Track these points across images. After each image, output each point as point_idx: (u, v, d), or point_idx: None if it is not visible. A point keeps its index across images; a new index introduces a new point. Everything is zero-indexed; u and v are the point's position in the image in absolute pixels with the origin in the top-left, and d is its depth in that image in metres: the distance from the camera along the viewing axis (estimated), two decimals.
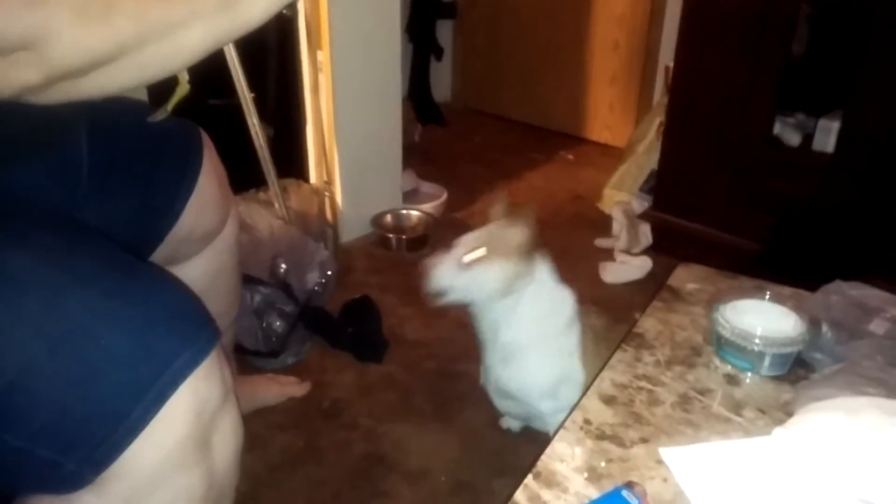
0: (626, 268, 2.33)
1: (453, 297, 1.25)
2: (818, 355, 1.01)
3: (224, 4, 0.67)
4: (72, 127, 0.95)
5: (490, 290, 1.24)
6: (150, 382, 0.69)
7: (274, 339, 1.81)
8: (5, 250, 0.71)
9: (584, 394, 0.97)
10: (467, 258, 1.21)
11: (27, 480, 0.73)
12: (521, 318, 1.28)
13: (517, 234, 1.24)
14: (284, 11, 0.73)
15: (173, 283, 0.79)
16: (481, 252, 1.21)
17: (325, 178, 2.36)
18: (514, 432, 1.63)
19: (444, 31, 3.62)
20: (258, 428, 1.60)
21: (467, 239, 1.25)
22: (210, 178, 1.15)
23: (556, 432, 0.91)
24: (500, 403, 1.47)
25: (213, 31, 0.69)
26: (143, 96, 1.21)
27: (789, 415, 0.89)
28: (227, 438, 0.80)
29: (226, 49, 1.79)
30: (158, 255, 1.08)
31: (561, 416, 1.29)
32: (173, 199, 1.09)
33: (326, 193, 2.32)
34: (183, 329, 0.74)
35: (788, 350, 0.99)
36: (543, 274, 1.30)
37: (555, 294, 1.31)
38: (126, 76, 0.67)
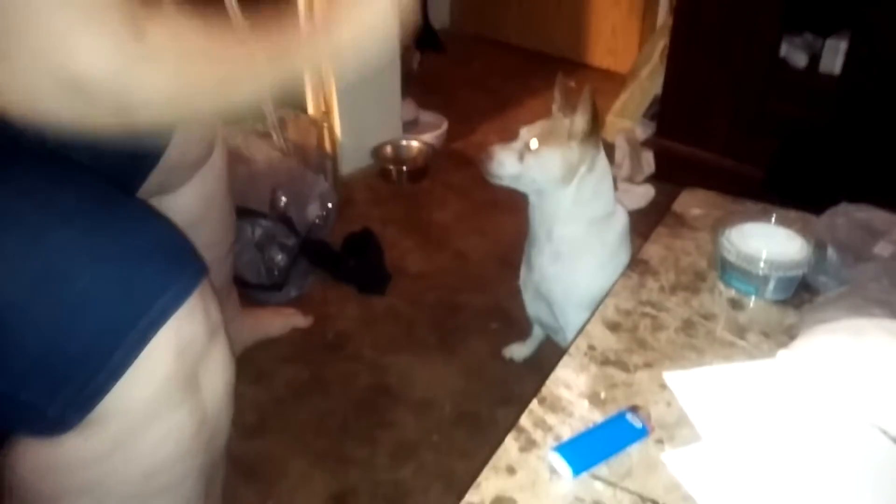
0: (629, 196, 2.30)
1: (515, 182, 1.28)
2: (823, 278, 1.00)
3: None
4: None
5: (551, 174, 1.26)
6: (131, 323, 0.68)
7: (276, 273, 1.80)
8: None
9: (588, 320, 0.97)
10: (533, 143, 1.25)
11: (11, 423, 0.73)
12: (578, 215, 1.29)
13: (576, 120, 1.25)
14: None
15: (157, 217, 0.78)
16: (539, 138, 1.25)
17: (323, 109, 2.31)
18: (516, 362, 1.64)
19: None
20: (263, 360, 1.61)
21: (530, 128, 1.28)
22: None
23: (560, 358, 0.91)
24: (533, 306, 1.47)
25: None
26: None
27: (793, 338, 0.88)
28: (216, 375, 0.79)
29: None
30: (150, 185, 1.06)
31: None
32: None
33: (325, 124, 2.29)
34: (166, 266, 0.73)
35: (793, 273, 0.98)
36: (603, 169, 1.30)
37: (610, 201, 1.33)
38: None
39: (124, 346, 0.68)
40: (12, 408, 0.69)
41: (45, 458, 0.73)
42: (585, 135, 1.24)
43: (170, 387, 0.72)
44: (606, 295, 1.02)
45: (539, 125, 1.28)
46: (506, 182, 1.28)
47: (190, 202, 1.19)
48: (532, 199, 1.32)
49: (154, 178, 1.07)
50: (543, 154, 1.24)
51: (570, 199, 1.27)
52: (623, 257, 1.33)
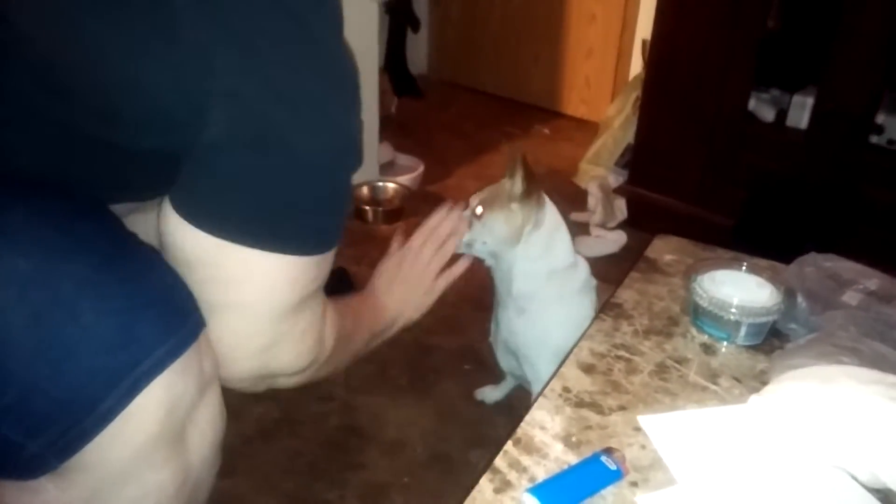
0: (601, 242, 2.34)
1: (469, 248, 1.31)
2: (793, 325, 1.02)
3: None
4: None
5: (498, 237, 1.27)
6: (126, 370, 0.66)
7: None
8: (3, 204, 0.66)
9: (562, 362, 0.98)
10: (477, 209, 1.27)
11: None
12: (533, 270, 1.30)
13: (508, 182, 1.27)
14: None
15: (164, 265, 0.76)
16: (484, 203, 1.28)
17: None
18: (487, 405, 1.64)
19: (421, 3, 3.58)
20: (232, 399, 1.55)
21: (478, 194, 1.31)
22: None
23: (534, 400, 0.91)
24: (504, 360, 1.47)
25: None
26: None
27: (764, 383, 0.90)
28: (204, 432, 0.77)
29: None
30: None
31: None
32: None
33: None
34: (167, 317, 0.71)
35: (764, 320, 1.00)
36: (550, 222, 1.31)
37: (566, 252, 1.33)
38: None
39: (115, 393, 0.66)
40: None
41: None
42: (522, 195, 1.26)
43: (155, 443, 0.70)
44: (580, 339, 1.03)
45: (486, 190, 1.31)
46: (461, 250, 1.31)
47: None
48: (488, 261, 1.33)
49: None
50: (487, 219, 1.27)
51: (522, 256, 1.28)
52: (587, 306, 1.33)
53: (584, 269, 1.35)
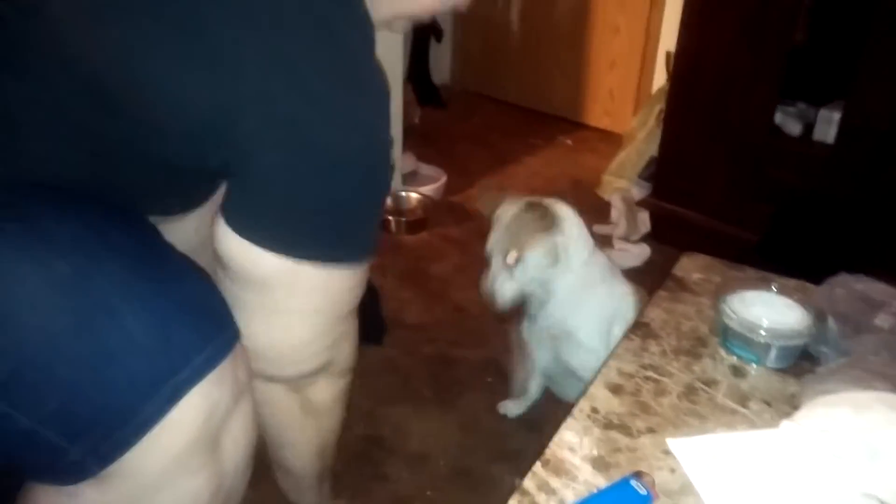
0: (624, 255, 2.33)
1: (522, 294, 1.33)
2: (824, 348, 1.01)
3: None
4: None
5: (545, 266, 1.30)
6: (166, 377, 0.68)
7: None
8: (42, 207, 0.68)
9: (590, 382, 0.98)
10: (510, 258, 1.29)
11: (30, 462, 0.72)
12: (566, 267, 1.33)
13: (537, 217, 1.30)
14: None
15: (200, 273, 0.77)
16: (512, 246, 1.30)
17: None
18: (510, 418, 1.64)
19: (444, 13, 3.59)
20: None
21: (492, 246, 1.33)
22: None
23: (563, 421, 0.91)
24: (542, 357, 1.49)
25: None
26: None
27: (795, 407, 0.89)
28: (237, 441, 0.79)
29: None
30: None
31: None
32: None
33: None
34: (205, 325, 0.73)
35: (794, 343, 0.99)
36: (573, 229, 1.34)
37: (588, 241, 1.37)
38: None
39: (156, 400, 0.67)
40: (34, 446, 0.67)
41: None
42: (549, 223, 1.30)
43: (192, 450, 0.71)
44: (609, 357, 1.03)
45: (497, 238, 1.33)
46: (511, 303, 1.34)
47: (194, 227, 1.18)
48: (538, 293, 1.35)
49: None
50: (529, 258, 1.29)
51: (566, 268, 1.33)
52: (622, 286, 1.38)
53: (600, 256, 1.40)
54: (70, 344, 0.66)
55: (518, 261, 1.29)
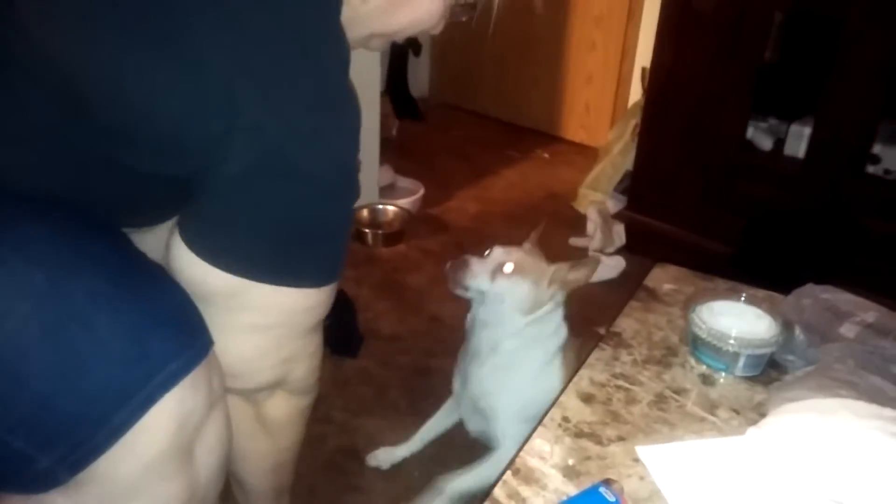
0: (600, 267, 2.34)
1: (478, 297, 1.31)
2: (791, 357, 1.03)
3: None
4: None
5: (517, 302, 1.30)
6: (139, 385, 0.67)
7: None
8: (19, 219, 0.68)
9: (562, 391, 0.98)
10: (507, 267, 1.28)
11: None
12: (527, 334, 1.33)
13: (568, 273, 1.31)
14: None
15: (174, 284, 0.77)
16: (515, 264, 1.29)
17: None
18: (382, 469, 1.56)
19: None
20: None
21: (506, 251, 1.32)
22: None
23: (534, 429, 0.92)
24: (471, 421, 1.47)
25: None
26: None
27: (762, 415, 0.91)
28: (211, 449, 0.78)
29: None
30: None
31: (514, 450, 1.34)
32: None
33: None
34: (180, 333, 0.72)
35: (762, 351, 1.01)
36: (560, 302, 1.36)
37: (558, 322, 1.37)
38: None
39: (128, 407, 0.67)
40: (2, 454, 0.66)
41: None
42: (566, 287, 1.32)
43: (166, 456, 0.71)
44: (581, 367, 1.04)
45: (516, 252, 1.32)
46: (468, 294, 1.31)
47: (166, 239, 1.18)
48: (482, 314, 1.34)
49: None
50: (517, 282, 1.28)
51: (524, 322, 1.32)
52: (558, 364, 1.37)
53: (563, 333, 1.38)
54: (41, 354, 0.65)
55: (510, 276, 1.28)
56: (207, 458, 0.78)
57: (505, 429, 1.36)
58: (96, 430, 0.66)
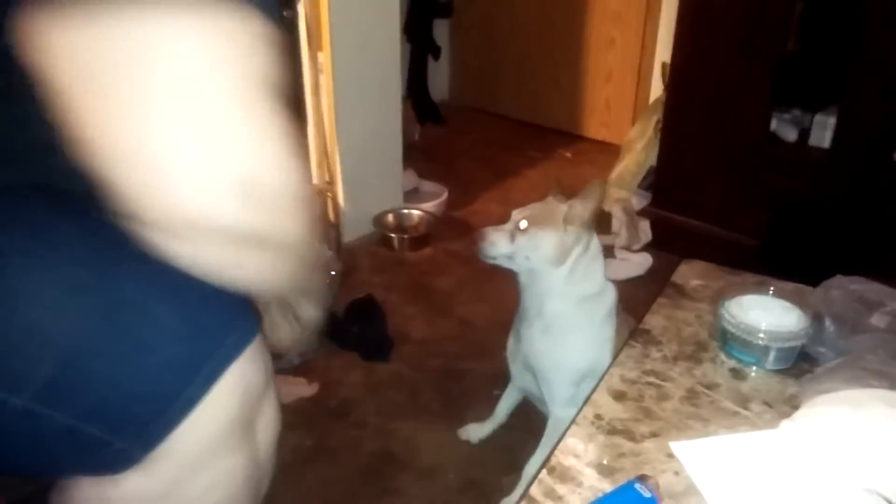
0: (626, 264, 2.35)
1: (508, 261, 1.32)
2: (821, 349, 1.03)
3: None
4: None
5: (544, 255, 1.29)
6: (202, 359, 0.69)
7: None
8: (56, 218, 0.69)
9: (594, 389, 1.00)
10: (522, 224, 1.28)
11: (72, 460, 0.72)
12: (569, 293, 1.32)
13: (577, 205, 1.30)
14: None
15: None
16: (528, 219, 1.29)
17: (327, 179, 2.37)
18: (472, 444, 1.63)
19: (441, 31, 3.64)
20: None
21: (521, 210, 1.32)
22: None
23: (568, 428, 0.93)
24: (520, 378, 1.49)
25: None
26: None
27: (795, 408, 0.91)
28: (269, 423, 0.80)
29: None
30: None
31: (573, 410, 1.32)
32: None
33: (328, 194, 2.34)
34: (231, 308, 0.74)
35: (792, 344, 1.01)
36: (596, 250, 1.34)
37: (600, 279, 1.36)
38: None
39: (197, 381, 0.69)
40: (77, 442, 0.68)
41: (101, 495, 0.73)
42: (585, 221, 1.29)
43: (231, 429, 0.73)
44: (610, 366, 1.05)
45: (530, 207, 1.33)
46: (499, 261, 1.32)
47: None
48: (523, 277, 1.34)
49: None
50: (535, 235, 1.28)
51: (563, 278, 1.31)
52: (609, 331, 1.36)
53: (611, 295, 1.37)
54: (101, 343, 0.67)
55: (527, 231, 1.28)
56: (265, 433, 0.80)
57: (554, 392, 1.37)
58: (167, 407, 0.68)
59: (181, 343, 0.70)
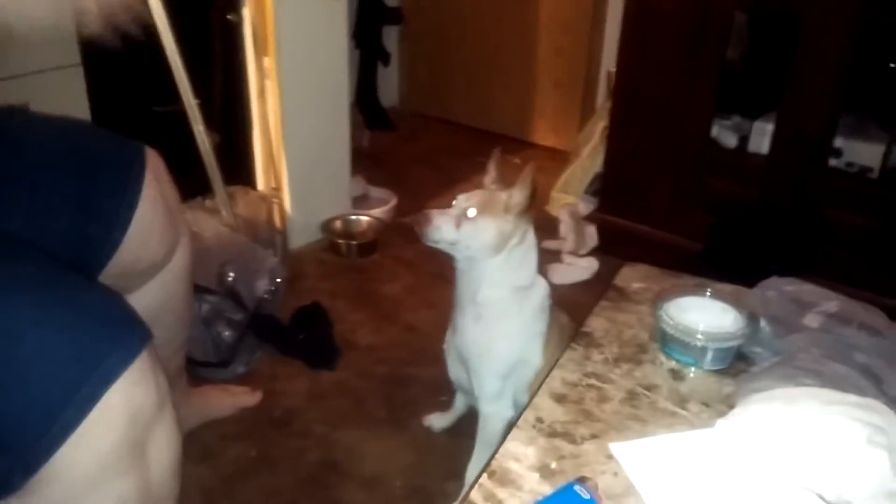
0: (573, 269, 2.37)
1: (449, 246, 1.30)
2: (757, 349, 1.05)
3: None
4: None
5: (485, 243, 1.28)
6: (80, 382, 0.69)
7: (223, 349, 1.78)
8: None
9: (535, 392, 0.99)
10: (471, 212, 1.27)
11: None
12: (504, 282, 1.32)
13: (515, 194, 1.29)
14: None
15: (98, 287, 0.80)
16: (476, 207, 1.28)
17: (273, 185, 2.34)
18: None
19: (391, 37, 3.63)
20: (209, 439, 1.58)
21: (467, 196, 1.31)
22: (155, 206, 1.08)
23: (508, 431, 0.92)
24: (454, 369, 1.49)
25: None
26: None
27: (731, 407, 0.92)
28: (163, 448, 0.79)
29: (170, 55, 1.76)
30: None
31: (499, 405, 1.35)
32: (110, 227, 1.01)
33: (274, 200, 2.30)
34: (112, 330, 0.74)
35: (729, 344, 1.03)
36: (531, 242, 1.34)
37: (533, 272, 1.36)
38: None
39: (75, 402, 0.68)
40: None
41: None
42: (522, 209, 1.29)
43: (118, 452, 0.72)
44: (553, 367, 1.05)
45: (476, 194, 1.32)
46: (440, 246, 1.31)
47: (145, 306, 1.10)
48: (461, 264, 1.34)
49: (105, 280, 1.02)
50: (480, 223, 1.27)
51: (498, 266, 1.31)
52: (541, 326, 1.36)
53: (542, 290, 1.37)
54: None
55: (473, 218, 1.27)
56: (160, 456, 0.79)
57: (482, 383, 1.37)
58: (47, 429, 0.67)
59: (56, 367, 0.69)
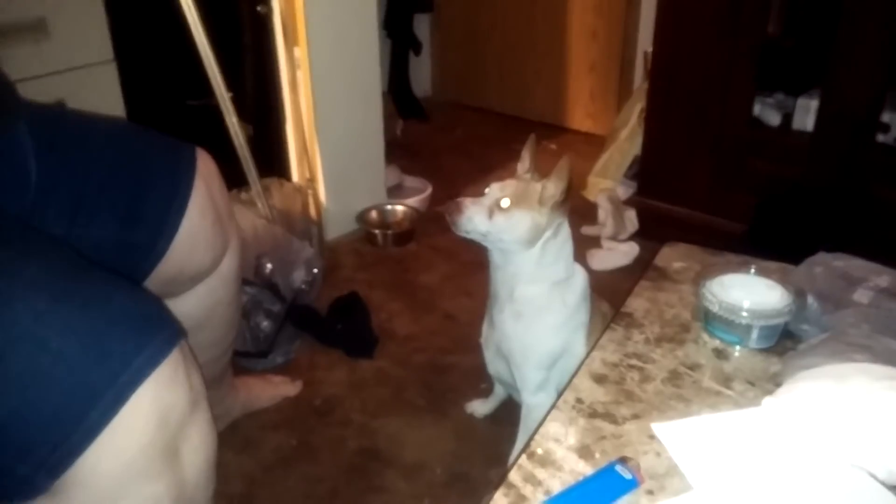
0: (613, 254, 2.33)
1: (481, 238, 1.26)
2: (805, 326, 1.01)
3: None
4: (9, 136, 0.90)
5: (519, 235, 1.24)
6: (106, 384, 0.67)
7: (262, 339, 1.80)
8: None
9: (574, 374, 0.97)
10: (504, 202, 1.23)
11: None
12: (540, 276, 1.28)
13: (550, 186, 1.25)
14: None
15: (125, 284, 0.77)
16: (510, 198, 1.24)
17: (308, 176, 2.34)
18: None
19: (422, 25, 3.61)
20: (250, 429, 1.59)
21: (501, 186, 1.27)
22: (203, 215, 1.07)
23: (548, 412, 0.91)
24: (493, 364, 1.47)
25: None
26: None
27: (778, 385, 0.89)
28: (197, 448, 0.78)
29: (201, 49, 1.77)
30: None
31: (542, 396, 1.31)
32: (156, 236, 1.01)
33: (309, 191, 2.31)
34: (139, 330, 0.72)
35: (775, 322, 0.99)
36: (566, 235, 1.30)
37: (570, 264, 1.32)
38: None
39: (100, 406, 0.67)
40: None
41: None
42: (557, 202, 1.25)
43: (148, 455, 0.71)
44: (592, 349, 1.03)
45: (510, 185, 1.27)
46: (472, 236, 1.27)
47: (192, 310, 1.13)
48: (495, 257, 1.31)
49: (150, 286, 1.02)
50: (514, 215, 1.23)
51: (533, 261, 1.27)
52: (583, 316, 1.33)
53: (581, 280, 1.34)
54: None
55: (506, 209, 1.23)
56: (194, 457, 0.78)
57: (525, 376, 1.35)
58: (71, 433, 0.66)
59: (81, 370, 0.68)
